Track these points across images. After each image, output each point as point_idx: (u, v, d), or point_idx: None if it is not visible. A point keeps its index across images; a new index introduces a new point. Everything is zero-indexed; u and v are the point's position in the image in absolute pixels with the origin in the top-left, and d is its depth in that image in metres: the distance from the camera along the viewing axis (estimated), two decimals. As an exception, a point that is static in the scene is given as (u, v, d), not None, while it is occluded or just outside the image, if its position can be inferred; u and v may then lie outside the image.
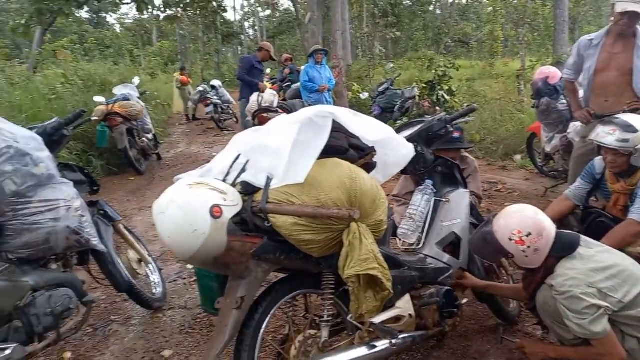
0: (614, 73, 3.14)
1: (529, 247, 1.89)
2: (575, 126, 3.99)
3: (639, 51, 3.06)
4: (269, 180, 1.67)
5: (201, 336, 2.65)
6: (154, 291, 2.99)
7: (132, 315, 2.94)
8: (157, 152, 7.68)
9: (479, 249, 2.12)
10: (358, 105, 10.01)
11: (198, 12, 21.74)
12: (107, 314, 2.96)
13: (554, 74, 4.56)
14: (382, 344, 1.85)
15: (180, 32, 28.07)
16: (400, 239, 2.36)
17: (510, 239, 1.90)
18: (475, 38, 25.11)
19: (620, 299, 1.79)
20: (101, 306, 3.03)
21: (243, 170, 1.75)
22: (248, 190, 1.69)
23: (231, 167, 1.79)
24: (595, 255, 1.89)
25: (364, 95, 9.18)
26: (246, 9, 44.70)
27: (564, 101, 4.53)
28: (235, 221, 1.61)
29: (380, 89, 7.54)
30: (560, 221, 2.82)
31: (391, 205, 3.41)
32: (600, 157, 2.73)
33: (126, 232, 2.90)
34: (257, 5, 41.85)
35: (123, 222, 2.94)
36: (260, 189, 1.66)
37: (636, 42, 3.07)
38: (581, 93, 3.49)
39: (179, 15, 20.94)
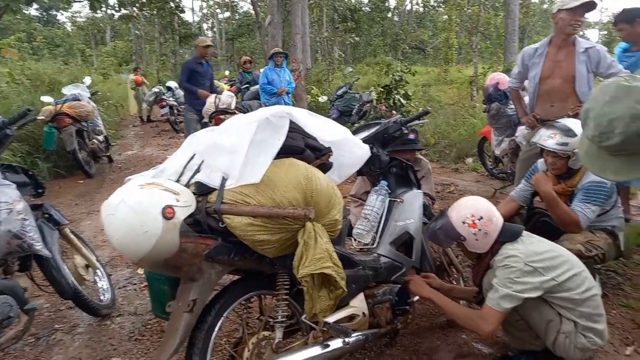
0: (558, 80, 3.30)
1: (480, 229, 2.04)
2: (522, 130, 4.18)
3: (580, 58, 3.22)
4: (224, 180, 1.65)
5: (151, 342, 2.58)
6: (101, 297, 2.89)
7: (78, 323, 2.82)
8: (108, 154, 7.43)
9: (435, 235, 2.20)
10: (317, 109, 10.06)
11: (155, 13, 21.20)
12: (51, 322, 2.83)
13: (504, 80, 4.75)
14: (335, 343, 1.86)
15: (136, 32, 27.28)
16: (355, 239, 2.39)
17: (464, 222, 2.06)
18: (431, 45, 25.81)
19: (554, 278, 1.95)
20: (44, 314, 2.90)
21: (197, 170, 1.73)
22: (202, 190, 1.66)
23: (185, 167, 1.76)
24: (536, 242, 2.07)
25: (323, 99, 9.25)
26: (205, 11, 44.01)
27: (513, 106, 4.73)
28: (188, 222, 1.58)
29: (339, 92, 7.62)
30: (507, 222, 2.95)
31: (348, 207, 3.45)
32: (542, 159, 2.86)
33: (73, 237, 2.79)
34: (216, 7, 41.30)
35: (69, 226, 2.82)
36: (215, 189, 1.64)
37: (576, 50, 3.24)
38: (527, 99, 3.65)
39: (134, 14, 20.36)
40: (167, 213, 1.49)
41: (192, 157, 1.77)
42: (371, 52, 26.83)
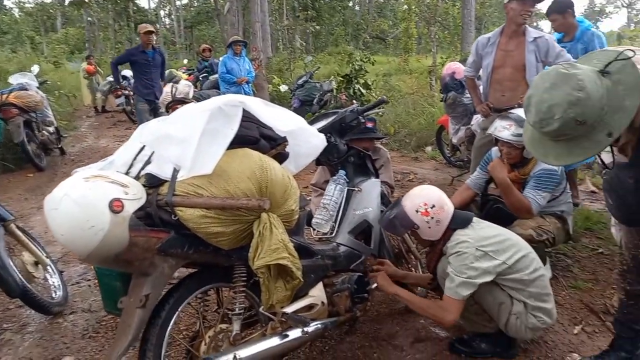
0: (509, 69, 3.40)
1: (432, 217, 2.09)
2: (477, 119, 4.27)
3: (529, 47, 3.32)
4: (175, 171, 1.61)
5: (106, 340, 2.50)
6: (53, 295, 2.78)
7: (28, 322, 2.71)
8: (59, 146, 7.13)
9: (389, 224, 2.23)
10: (278, 98, 9.98)
11: (108, -1, 20.42)
12: (-1, 322, 2.71)
13: (460, 69, 4.83)
14: (294, 333, 1.86)
15: (89, 18, 26.17)
16: (314, 229, 2.39)
17: (417, 211, 2.10)
18: (391, 35, 25.99)
19: (504, 261, 2.02)
20: (-8, 314, 2.76)
21: (148, 161, 1.67)
22: (153, 182, 1.61)
23: (135, 159, 1.71)
24: (485, 228, 2.14)
25: (284, 88, 9.17)
26: (161, -3, 42.65)
27: (469, 95, 4.83)
28: (138, 215, 1.52)
29: (299, 81, 7.56)
30: (463, 210, 3.03)
31: (309, 197, 3.45)
32: (496, 147, 2.93)
33: (20, 233, 2.67)
34: (173, -7, 40.11)
35: (17, 222, 2.69)
36: (166, 181, 1.60)
37: (526, 39, 3.33)
38: (482, 88, 3.73)
39: (86, 0, 19.52)
40: (115, 206, 1.44)
41: (142, 149, 1.71)
42: (333, 42, 26.79)
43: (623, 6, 48.33)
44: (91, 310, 2.82)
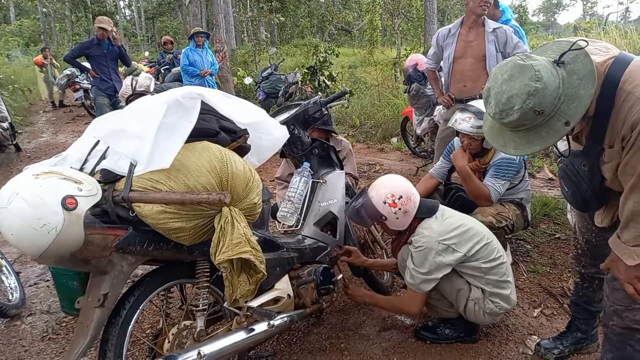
0: (470, 60, 3.46)
1: (400, 209, 2.10)
2: (439, 110, 4.34)
3: (489, 38, 3.38)
4: (132, 166, 1.55)
5: (66, 341, 2.43)
6: (10, 297, 2.68)
7: (-17, 326, 2.59)
8: (14, 142, 6.84)
9: (356, 215, 2.23)
10: (243, 91, 9.87)
11: (63, -12, 19.58)
12: (-48, 327, 2.58)
13: (422, 61, 4.87)
14: (260, 327, 1.85)
15: (43, 9, 25.08)
16: (279, 222, 2.38)
17: (385, 202, 2.11)
18: (357, 27, 26.03)
19: (465, 253, 2.08)
20: (-57, 319, 2.63)
21: (103, 157, 1.62)
22: (109, 178, 1.55)
23: (89, 154, 1.65)
24: (449, 218, 2.17)
25: (248, 80, 9.06)
26: (120, -13, 41.26)
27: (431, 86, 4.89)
28: (94, 212, 1.47)
29: (264, 74, 7.47)
30: (427, 198, 3.08)
31: (274, 191, 3.43)
32: (458, 137, 2.99)
33: (-30, 234, 2.53)
34: (133, -17, 38.86)
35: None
36: (122, 176, 1.54)
37: (486, 30, 3.40)
38: (443, 80, 3.79)
39: (40, -10, 18.68)
40: (68, 204, 1.38)
41: (96, 143, 1.66)
42: (298, 34, 26.65)
43: (578, -1, 50.01)
44: (50, 311, 2.73)
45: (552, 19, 52.35)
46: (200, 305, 1.75)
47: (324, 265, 2.22)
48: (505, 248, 2.88)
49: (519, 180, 2.94)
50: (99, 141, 1.66)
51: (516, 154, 1.54)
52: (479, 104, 2.90)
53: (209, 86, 7.18)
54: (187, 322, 1.78)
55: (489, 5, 3.35)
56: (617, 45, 6.75)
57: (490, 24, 3.41)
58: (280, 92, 7.05)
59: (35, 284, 3.07)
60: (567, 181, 1.72)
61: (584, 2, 49.19)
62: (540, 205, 3.91)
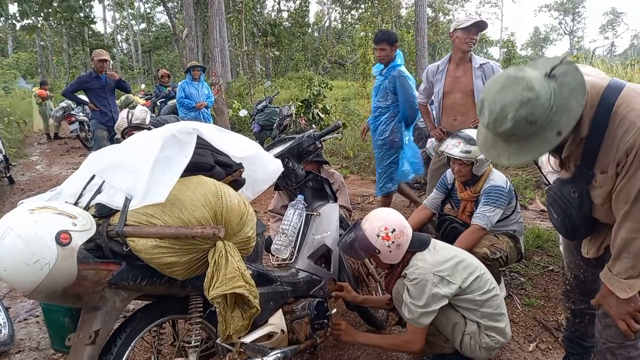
0: (459, 95, 3.55)
1: (393, 242, 2.10)
2: (431, 142, 4.41)
3: (476, 73, 3.48)
4: (127, 201, 1.56)
5: (55, 379, 2.37)
6: (-2, 333, 2.61)
7: (-30, 364, 2.53)
8: (8, 175, 6.82)
9: (349, 249, 2.22)
10: (238, 123, 9.97)
11: (62, 23, 19.91)
12: (-64, 366, 2.52)
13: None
14: (253, 364, 1.82)
15: (41, 43, 25.46)
16: (273, 255, 2.37)
17: (378, 235, 2.10)
18: (350, 60, 26.58)
19: (460, 285, 2.06)
20: None
21: (98, 191, 1.63)
22: (103, 212, 1.56)
23: (84, 188, 1.66)
24: (441, 250, 2.17)
25: (243, 113, 9.17)
26: (118, 22, 42.11)
27: (423, 120, 4.98)
28: (88, 247, 1.47)
29: (259, 106, 7.59)
30: (420, 229, 3.10)
31: (268, 224, 3.43)
32: (451, 169, 3.04)
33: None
34: (131, 18, 39.68)
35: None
36: (117, 210, 1.55)
37: (473, 66, 3.50)
38: (434, 113, 3.87)
39: (38, 25, 18.98)
40: (62, 239, 1.38)
41: (92, 178, 1.67)
42: (293, 67, 27.14)
43: (565, 33, 51.54)
44: (40, 348, 2.67)
45: (540, 53, 53.75)
46: (193, 341, 1.73)
47: (318, 299, 2.21)
48: (499, 281, 2.88)
49: (511, 211, 2.97)
50: (94, 175, 1.67)
51: (509, 163, 1.55)
52: (469, 131, 2.97)
53: (204, 118, 7.27)
54: None
55: (474, 42, 3.46)
56: (603, 79, 6.92)
57: (477, 60, 3.52)
58: (275, 125, 7.14)
59: (25, 319, 3.01)
60: (556, 208, 1.73)
61: (571, 37, 50.68)
62: (533, 237, 3.93)
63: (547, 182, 3.03)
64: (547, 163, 3.00)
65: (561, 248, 3.04)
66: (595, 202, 1.60)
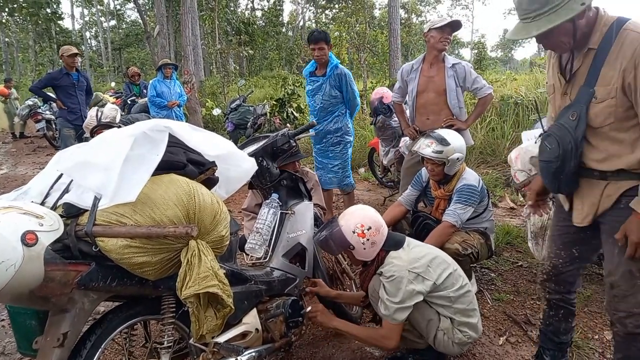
0: (432, 94, 3.60)
1: (368, 239, 2.12)
2: (405, 141, 4.46)
3: (449, 73, 3.54)
4: (96, 200, 1.53)
5: (22, 384, 2.30)
6: (-40, 339, 2.52)
7: None
8: (-29, 175, 6.57)
9: (325, 244, 2.23)
10: (212, 122, 9.86)
11: (28, 19, 19.28)
12: None
13: (388, 94, 5.04)
14: (227, 363, 1.81)
15: (6, 39, 24.60)
16: (248, 254, 2.36)
17: (354, 232, 2.12)
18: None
19: (434, 281, 2.10)
20: None
21: (66, 190, 1.59)
22: (71, 212, 1.52)
23: (51, 187, 1.61)
24: (415, 248, 2.20)
25: (217, 112, 9.07)
26: (87, 18, 41.04)
27: (397, 119, 5.03)
28: (55, 248, 1.43)
29: (233, 105, 7.51)
30: (394, 225, 3.14)
31: (242, 223, 3.41)
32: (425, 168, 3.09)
33: None
34: (100, 14, 38.76)
35: None
36: (86, 210, 1.51)
37: (446, 65, 3.56)
38: (408, 112, 3.92)
39: (2, 20, 18.32)
40: (28, 239, 1.34)
41: (59, 177, 1.62)
42: (267, 66, 27.01)
43: (533, 36, 52.89)
44: (5, 352, 2.59)
45: (510, 55, 55.02)
46: (165, 342, 1.71)
47: (292, 298, 2.21)
48: (470, 277, 2.94)
49: (483, 209, 3.03)
50: (62, 174, 1.63)
51: (538, 32, 1.63)
52: (441, 131, 3.02)
53: (176, 117, 7.16)
54: (151, 361, 1.72)
55: (448, 41, 3.52)
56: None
57: (450, 60, 3.58)
58: (249, 124, 7.09)
59: (-11, 323, 2.91)
60: (550, 140, 1.79)
61: (538, 40, 51.91)
62: (503, 234, 4.02)
63: (516, 180, 3.12)
64: (516, 160, 3.08)
65: (530, 244, 3.13)
66: (594, 123, 1.69)
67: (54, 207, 1.53)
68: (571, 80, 1.77)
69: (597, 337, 2.62)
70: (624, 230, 1.67)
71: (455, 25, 3.50)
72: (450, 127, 3.44)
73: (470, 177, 2.98)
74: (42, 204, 1.55)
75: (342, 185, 4.47)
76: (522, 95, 7.31)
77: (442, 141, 2.87)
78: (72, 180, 1.60)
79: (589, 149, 1.75)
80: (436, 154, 2.86)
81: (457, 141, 2.92)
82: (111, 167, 1.55)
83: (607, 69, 1.63)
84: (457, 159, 2.90)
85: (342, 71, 4.08)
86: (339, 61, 4.16)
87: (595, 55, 1.66)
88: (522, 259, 3.69)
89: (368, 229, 2.13)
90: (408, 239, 2.27)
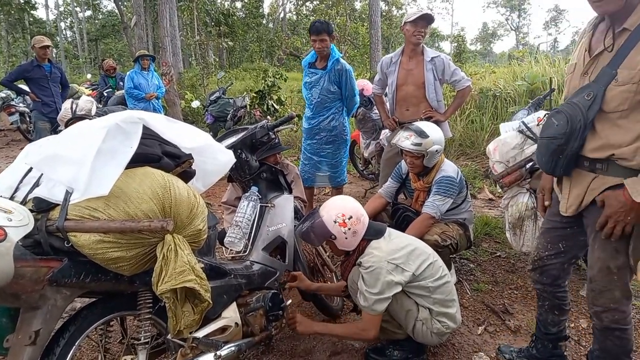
0: (411, 87, 3.61)
1: (349, 229, 2.13)
2: (385, 133, 4.47)
3: (427, 66, 3.55)
4: (67, 194, 1.48)
5: (-7, 384, 2.24)
6: None
7: None
8: (-60, 169, 6.35)
9: (307, 234, 2.22)
10: (192, 114, 9.73)
11: (0, 9, 18.70)
12: None
13: (368, 86, 5.04)
14: (206, 358, 1.78)
15: (-24, 29, 23.83)
16: (227, 248, 2.33)
17: (335, 221, 2.13)
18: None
19: (413, 272, 2.12)
20: None
21: (36, 184, 1.54)
22: (42, 207, 1.47)
23: (21, 181, 1.56)
24: (395, 239, 2.22)
25: (196, 104, 8.95)
26: (62, 8, 39.98)
27: (377, 111, 5.03)
28: (25, 244, 1.39)
29: (212, 97, 7.42)
30: (375, 217, 3.15)
31: (221, 216, 3.37)
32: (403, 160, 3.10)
33: None
34: (75, 4, 37.78)
35: None
36: (57, 204, 1.47)
37: (424, 58, 3.57)
38: (388, 104, 3.92)
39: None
40: (-4, 235, 1.29)
41: (29, 170, 1.57)
42: (247, 58, 26.73)
43: (512, 29, 53.58)
44: (-25, 352, 2.51)
45: (489, 48, 55.62)
46: (142, 338, 1.68)
47: (273, 291, 2.19)
48: (449, 267, 2.97)
49: (461, 200, 3.06)
50: (31, 168, 1.58)
51: None
52: (420, 123, 3.03)
53: (154, 110, 7.05)
54: (128, 357, 1.69)
55: (423, 35, 3.52)
56: (546, 73, 7.24)
57: (429, 53, 3.58)
58: (229, 116, 7.02)
59: (-41, 322, 2.82)
60: (559, 116, 1.75)
61: (517, 33, 52.69)
62: (481, 225, 4.08)
63: (494, 172, 3.15)
64: (495, 152, 3.11)
65: (508, 235, 3.17)
66: (607, 107, 1.64)
67: (23, 202, 1.49)
68: (595, 60, 1.72)
69: (572, 325, 2.67)
70: (604, 199, 1.67)
71: (427, 17, 3.49)
72: (429, 119, 3.46)
73: (449, 168, 3.00)
74: (11, 198, 1.50)
75: (334, 183, 4.43)
76: (500, 88, 7.39)
77: (421, 134, 2.88)
78: (42, 174, 1.55)
79: (590, 135, 1.71)
80: (415, 147, 2.87)
81: (435, 134, 2.93)
82: (83, 160, 1.50)
83: (636, 52, 1.58)
84: (436, 151, 2.91)
85: (343, 67, 3.92)
86: (341, 54, 4.00)
87: (628, 37, 1.60)
88: (500, 249, 3.74)
89: (349, 219, 2.14)
90: (389, 229, 2.27)
